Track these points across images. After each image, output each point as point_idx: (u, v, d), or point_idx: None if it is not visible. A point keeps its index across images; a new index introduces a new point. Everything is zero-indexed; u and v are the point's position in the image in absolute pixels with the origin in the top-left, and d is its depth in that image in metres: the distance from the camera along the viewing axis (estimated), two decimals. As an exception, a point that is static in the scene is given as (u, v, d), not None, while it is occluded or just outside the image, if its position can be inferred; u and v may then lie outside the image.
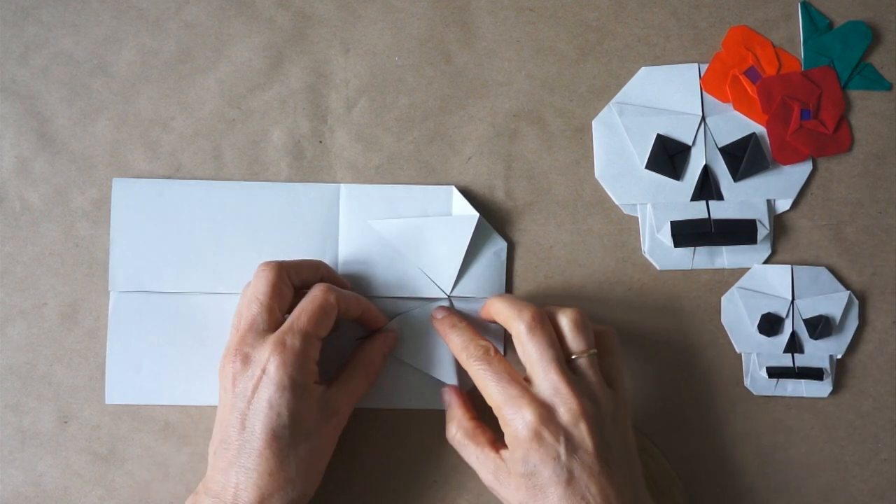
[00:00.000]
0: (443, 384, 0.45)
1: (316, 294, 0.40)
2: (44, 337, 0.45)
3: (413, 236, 0.45)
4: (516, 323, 0.39)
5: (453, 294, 0.45)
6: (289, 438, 0.37)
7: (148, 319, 0.45)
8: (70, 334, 0.45)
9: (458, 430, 0.42)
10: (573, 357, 0.39)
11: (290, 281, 0.41)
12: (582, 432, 0.37)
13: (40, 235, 0.46)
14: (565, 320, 0.40)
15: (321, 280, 0.42)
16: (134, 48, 0.47)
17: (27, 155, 0.46)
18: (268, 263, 0.40)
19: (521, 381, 0.39)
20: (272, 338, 0.38)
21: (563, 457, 0.37)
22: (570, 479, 0.36)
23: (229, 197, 0.46)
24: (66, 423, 0.45)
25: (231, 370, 0.38)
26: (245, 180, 0.46)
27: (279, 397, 0.37)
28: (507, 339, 0.45)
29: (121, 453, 0.44)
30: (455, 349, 0.42)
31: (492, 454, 0.39)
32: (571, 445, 0.37)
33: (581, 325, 0.40)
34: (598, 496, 0.36)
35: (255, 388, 0.38)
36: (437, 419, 0.45)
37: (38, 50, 0.47)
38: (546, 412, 0.37)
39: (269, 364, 0.37)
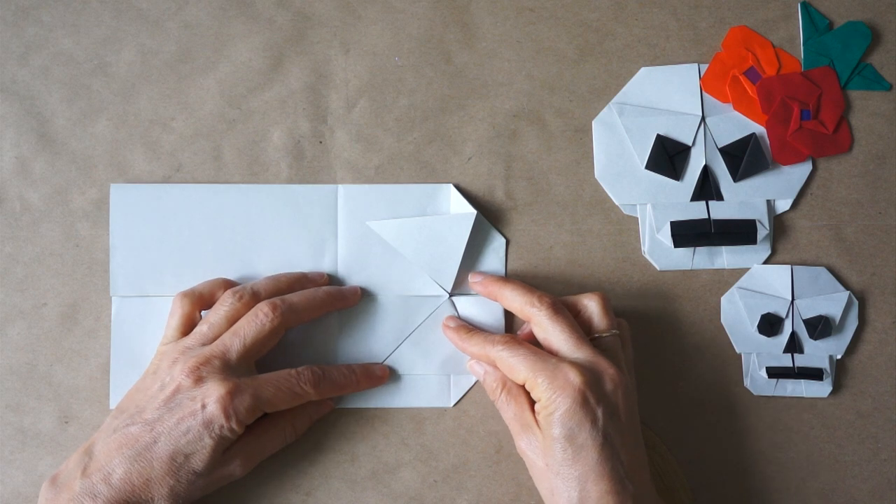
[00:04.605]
0: (442, 384, 0.45)
1: (294, 381, 0.40)
2: (44, 337, 0.45)
3: (412, 235, 0.45)
4: (535, 310, 0.41)
5: (453, 292, 0.45)
6: (180, 463, 0.38)
7: (150, 324, 0.45)
8: (70, 334, 0.45)
9: (502, 385, 0.42)
10: (598, 336, 0.41)
11: (289, 326, 0.41)
12: (619, 400, 0.38)
13: (40, 235, 0.46)
14: (593, 303, 0.42)
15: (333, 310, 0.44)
16: (134, 48, 0.47)
17: (27, 155, 0.46)
18: (270, 305, 0.41)
19: (554, 356, 0.40)
20: (232, 382, 0.38)
21: (601, 421, 0.37)
22: (605, 444, 0.37)
23: (227, 200, 0.46)
24: (66, 423, 0.45)
25: (179, 377, 0.39)
26: (245, 180, 0.46)
27: (198, 436, 0.38)
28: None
29: (121, 453, 0.44)
30: (476, 347, 0.42)
31: (529, 414, 0.40)
32: (609, 411, 0.38)
33: (608, 307, 0.42)
34: (628, 464, 0.37)
35: (187, 413, 0.38)
36: (438, 419, 0.45)
37: (38, 50, 0.47)
38: (591, 377, 0.38)
39: (212, 405, 0.38)
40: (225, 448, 0.39)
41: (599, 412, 0.37)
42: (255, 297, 0.42)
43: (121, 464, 0.38)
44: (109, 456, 0.38)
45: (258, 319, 0.40)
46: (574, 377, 0.38)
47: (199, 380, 0.38)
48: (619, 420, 0.38)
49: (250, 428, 0.40)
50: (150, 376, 0.40)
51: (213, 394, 0.38)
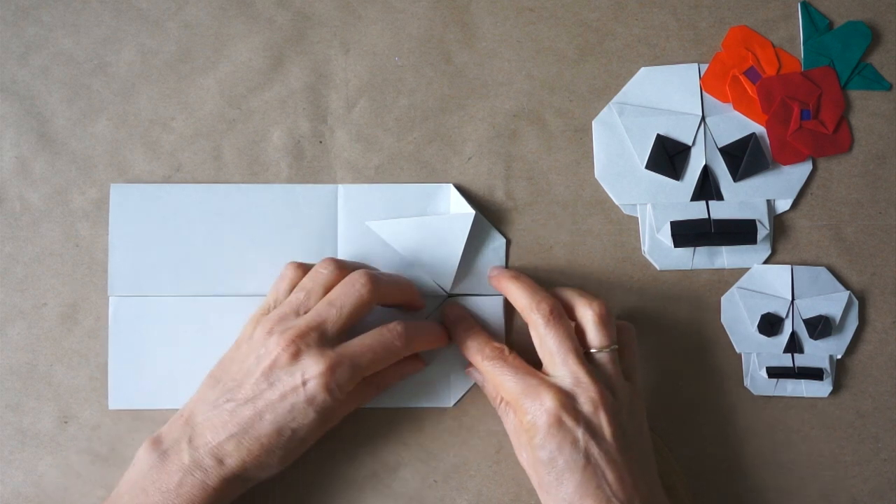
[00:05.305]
0: (442, 384, 0.45)
1: (387, 338, 0.39)
2: (44, 337, 0.45)
3: (411, 235, 0.45)
4: (534, 314, 0.40)
5: (453, 292, 0.45)
6: (288, 437, 0.38)
7: (148, 324, 0.45)
8: (70, 334, 0.45)
9: (500, 399, 0.42)
10: (593, 351, 0.40)
11: (378, 302, 0.41)
12: (601, 420, 0.38)
13: (40, 235, 0.46)
14: (589, 314, 0.41)
15: (403, 304, 0.43)
16: (134, 48, 0.47)
17: (27, 155, 0.46)
18: (367, 276, 0.40)
19: (539, 373, 0.40)
20: (330, 356, 0.38)
21: (582, 442, 0.37)
22: (587, 465, 0.37)
23: (227, 200, 0.46)
24: (66, 423, 0.45)
25: (275, 350, 0.38)
26: (245, 180, 0.46)
27: (303, 412, 0.38)
28: (507, 310, 0.45)
29: (121, 453, 0.44)
30: (469, 351, 0.42)
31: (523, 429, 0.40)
32: (590, 432, 0.37)
33: (605, 320, 0.41)
34: (615, 483, 0.37)
35: (288, 390, 0.38)
36: (438, 419, 0.45)
37: (38, 50, 0.47)
38: (566, 399, 0.38)
39: (313, 382, 0.37)
40: (330, 420, 0.39)
41: (579, 433, 0.37)
42: (351, 268, 0.41)
43: (228, 441, 0.37)
44: (215, 432, 0.38)
45: (355, 289, 0.39)
46: (548, 401, 0.38)
47: (296, 353, 0.38)
48: (603, 439, 0.37)
49: None
50: (245, 344, 0.40)
51: (312, 369, 0.37)
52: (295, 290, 0.41)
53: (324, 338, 0.38)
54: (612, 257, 0.46)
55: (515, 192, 0.46)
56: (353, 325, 0.40)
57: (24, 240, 0.45)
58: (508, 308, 0.45)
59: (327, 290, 0.40)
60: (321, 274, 0.41)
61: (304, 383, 0.37)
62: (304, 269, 0.42)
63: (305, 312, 0.40)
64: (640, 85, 0.47)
